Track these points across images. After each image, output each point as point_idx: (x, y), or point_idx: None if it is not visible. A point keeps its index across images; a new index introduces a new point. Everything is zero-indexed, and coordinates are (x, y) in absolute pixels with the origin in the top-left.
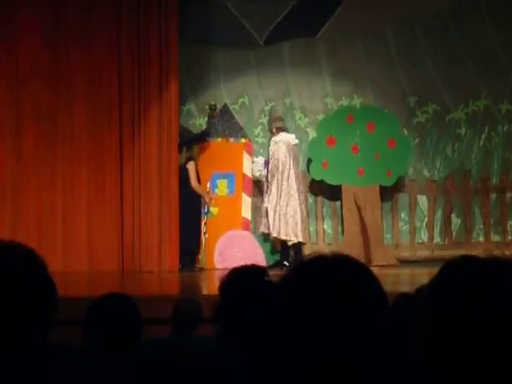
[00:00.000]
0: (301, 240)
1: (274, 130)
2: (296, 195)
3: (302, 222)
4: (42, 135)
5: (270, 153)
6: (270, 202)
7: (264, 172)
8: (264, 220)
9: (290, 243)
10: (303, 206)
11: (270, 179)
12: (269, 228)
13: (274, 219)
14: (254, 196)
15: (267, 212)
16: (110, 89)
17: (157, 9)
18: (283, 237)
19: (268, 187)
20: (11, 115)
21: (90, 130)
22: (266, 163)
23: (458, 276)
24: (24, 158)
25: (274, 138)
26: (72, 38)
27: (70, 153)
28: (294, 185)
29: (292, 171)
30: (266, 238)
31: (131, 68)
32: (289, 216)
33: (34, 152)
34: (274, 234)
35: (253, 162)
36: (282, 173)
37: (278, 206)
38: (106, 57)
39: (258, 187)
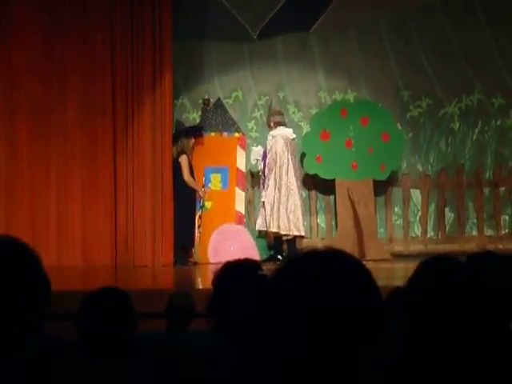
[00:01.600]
0: (303, 234)
1: (272, 124)
2: (296, 190)
3: (302, 216)
4: (35, 130)
5: (268, 147)
6: (267, 196)
7: (260, 162)
8: (260, 214)
9: (284, 238)
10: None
11: (268, 173)
12: (266, 222)
13: (272, 213)
14: (249, 190)
15: (264, 206)
16: (103, 83)
17: (150, 3)
18: (284, 231)
19: (264, 181)
20: (5, 111)
21: (84, 124)
22: (265, 154)
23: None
24: (18, 153)
25: (271, 132)
26: (66, 32)
27: (63, 148)
28: (293, 179)
29: (290, 165)
30: (259, 233)
31: (125, 62)
32: (290, 211)
33: (27, 147)
34: (274, 229)
35: (252, 150)
36: (280, 167)
37: (276, 201)
38: (100, 51)
39: (254, 181)
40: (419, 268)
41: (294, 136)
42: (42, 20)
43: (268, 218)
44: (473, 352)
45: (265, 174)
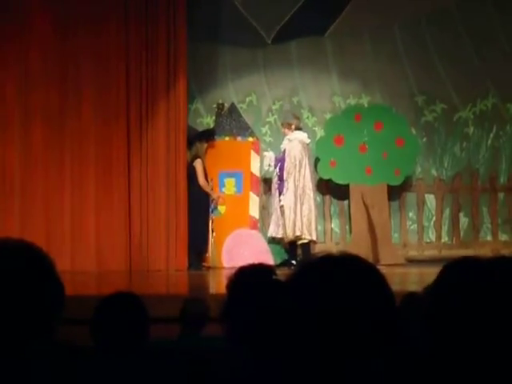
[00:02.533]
0: (314, 239)
1: (292, 128)
2: (311, 194)
3: (315, 220)
4: (50, 135)
5: (286, 151)
6: (286, 200)
7: (273, 168)
8: (273, 220)
9: (299, 242)
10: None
11: (287, 177)
12: (285, 228)
13: (290, 218)
14: (263, 195)
15: (282, 210)
16: (118, 87)
17: (165, 7)
18: (298, 234)
19: (280, 186)
20: (20, 117)
21: (98, 129)
22: (277, 160)
23: (459, 277)
24: (32, 158)
25: (288, 136)
26: (80, 37)
27: (77, 152)
28: (309, 183)
29: (307, 170)
30: (273, 239)
31: (139, 67)
32: (303, 215)
33: (42, 152)
34: (291, 236)
35: (264, 156)
36: (299, 171)
37: (294, 205)
38: (114, 55)
39: (266, 186)
40: (446, 270)
41: (309, 140)
42: (57, 28)
43: (286, 221)
44: (503, 358)
45: (281, 179)
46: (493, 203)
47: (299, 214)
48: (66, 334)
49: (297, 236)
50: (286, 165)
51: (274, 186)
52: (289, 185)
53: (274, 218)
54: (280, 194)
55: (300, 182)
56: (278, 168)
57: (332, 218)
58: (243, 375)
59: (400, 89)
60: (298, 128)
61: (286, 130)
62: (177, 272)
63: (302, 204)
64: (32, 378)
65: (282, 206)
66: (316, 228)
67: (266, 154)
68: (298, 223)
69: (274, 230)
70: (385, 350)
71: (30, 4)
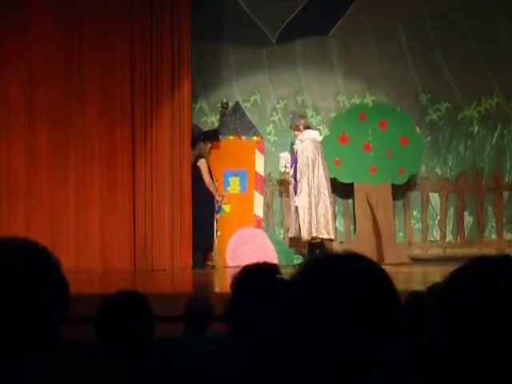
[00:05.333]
0: (332, 237)
1: (301, 128)
2: (326, 193)
3: (332, 219)
4: (54, 134)
5: (298, 152)
6: (300, 202)
7: (289, 169)
8: (293, 221)
9: (313, 241)
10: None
11: (300, 178)
12: (299, 228)
13: (304, 220)
14: (267, 194)
15: (297, 211)
16: (122, 87)
17: (169, 6)
18: (314, 234)
19: (295, 186)
20: (24, 115)
21: (103, 128)
22: (292, 160)
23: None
24: (37, 158)
25: (299, 137)
26: (85, 37)
27: (82, 151)
28: (324, 182)
29: (321, 169)
30: (290, 240)
31: (143, 66)
32: (320, 214)
33: (47, 152)
34: (306, 237)
35: (279, 157)
36: (313, 171)
37: (309, 205)
38: (119, 55)
39: (284, 186)
40: (462, 269)
41: (321, 138)
42: (61, 28)
43: (301, 223)
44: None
45: (296, 180)
46: (497, 202)
47: (315, 215)
48: (70, 332)
49: (313, 237)
50: (298, 166)
51: (290, 186)
52: (302, 186)
53: (292, 219)
54: (295, 194)
55: (314, 182)
56: (292, 169)
57: (336, 217)
58: (247, 374)
59: (404, 88)
60: (307, 127)
61: (296, 132)
62: (181, 271)
63: (317, 204)
64: (36, 377)
65: (296, 207)
66: (334, 227)
67: (281, 155)
68: (314, 224)
69: (294, 232)
70: (388, 349)
71: (34, 5)
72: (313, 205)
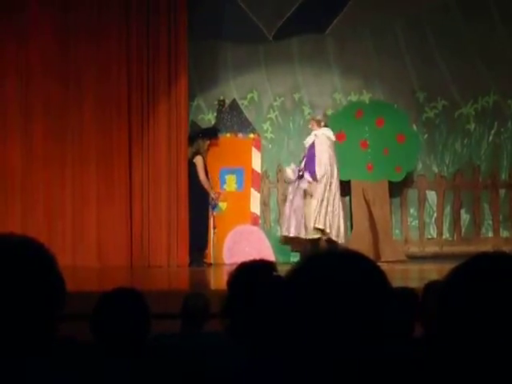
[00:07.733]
0: (340, 241)
1: (322, 124)
2: (338, 193)
3: (343, 222)
4: (51, 130)
5: (315, 146)
6: (318, 192)
7: (295, 179)
8: (298, 220)
9: (324, 237)
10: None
11: (319, 170)
12: (305, 223)
13: (317, 209)
14: (264, 191)
15: (295, 211)
16: (119, 83)
17: (166, 4)
18: (322, 226)
19: (299, 172)
20: (21, 111)
21: (99, 124)
22: (299, 171)
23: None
24: (33, 153)
25: (315, 132)
26: (81, 33)
27: (79, 148)
28: (337, 183)
29: (335, 170)
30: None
31: (140, 63)
32: (328, 211)
33: (43, 146)
34: (319, 225)
35: (285, 171)
36: (332, 166)
37: (325, 199)
38: (116, 52)
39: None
40: (463, 266)
41: (334, 139)
42: (57, 20)
43: (314, 213)
44: None
45: (301, 176)
46: (494, 200)
47: (330, 213)
48: (67, 329)
49: (316, 228)
50: (320, 159)
51: (295, 185)
52: (322, 179)
53: (296, 218)
54: (305, 195)
55: (333, 183)
56: (302, 164)
57: None
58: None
59: (401, 85)
60: (325, 125)
61: (315, 126)
62: (178, 268)
63: (328, 202)
64: (33, 375)
65: (294, 207)
66: (345, 229)
67: (287, 169)
68: (328, 219)
69: (292, 231)
70: (385, 348)
71: (31, 4)
72: (330, 200)
